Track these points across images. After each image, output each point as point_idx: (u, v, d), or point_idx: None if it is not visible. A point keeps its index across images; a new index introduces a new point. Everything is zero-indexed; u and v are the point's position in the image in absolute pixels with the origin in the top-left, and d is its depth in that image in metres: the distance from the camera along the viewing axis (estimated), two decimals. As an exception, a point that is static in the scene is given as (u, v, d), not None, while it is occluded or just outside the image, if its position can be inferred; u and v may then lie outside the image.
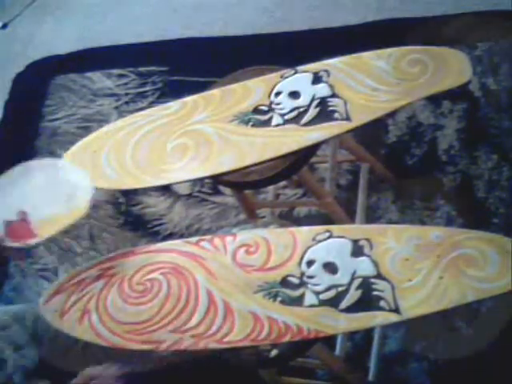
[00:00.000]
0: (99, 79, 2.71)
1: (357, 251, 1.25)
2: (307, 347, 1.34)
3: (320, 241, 1.29)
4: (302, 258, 1.27)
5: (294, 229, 1.33)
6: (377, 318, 1.19)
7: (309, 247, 1.28)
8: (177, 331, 1.24)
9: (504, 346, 1.66)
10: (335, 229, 1.30)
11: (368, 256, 1.24)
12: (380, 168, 2.01)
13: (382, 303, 1.19)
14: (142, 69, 2.66)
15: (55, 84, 2.77)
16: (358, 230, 1.30)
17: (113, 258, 1.35)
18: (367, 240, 1.26)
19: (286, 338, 1.20)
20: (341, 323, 1.20)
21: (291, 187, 2.15)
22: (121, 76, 2.68)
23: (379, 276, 1.21)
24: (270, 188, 2.04)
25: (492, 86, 2.09)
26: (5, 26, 3.06)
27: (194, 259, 1.32)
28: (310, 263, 1.27)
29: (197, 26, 2.68)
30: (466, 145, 2.03)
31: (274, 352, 1.28)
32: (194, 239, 1.35)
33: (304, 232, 1.31)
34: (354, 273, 1.23)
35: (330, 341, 1.67)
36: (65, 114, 2.67)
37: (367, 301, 1.20)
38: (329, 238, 1.29)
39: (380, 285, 1.20)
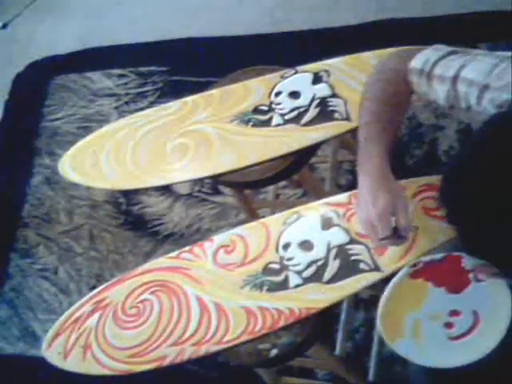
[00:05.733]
0: (99, 79, 2.71)
1: (326, 224, 1.28)
2: (307, 347, 1.34)
3: (291, 223, 1.31)
4: (277, 244, 1.30)
5: (264, 219, 1.36)
6: (361, 281, 1.22)
7: (282, 232, 1.31)
8: (177, 343, 1.25)
9: (504, 345, 1.66)
10: (302, 209, 1.33)
11: (338, 225, 1.27)
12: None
13: (361, 265, 1.22)
14: (142, 69, 2.66)
15: (55, 84, 2.77)
16: (325, 204, 1.32)
17: (103, 290, 1.36)
18: (334, 211, 1.29)
19: (281, 323, 1.22)
20: (328, 295, 1.22)
21: (291, 187, 2.15)
22: (121, 76, 2.68)
23: (353, 241, 1.25)
24: (270, 188, 2.04)
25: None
26: (5, 26, 3.06)
27: (178, 272, 1.33)
28: (286, 246, 1.29)
29: (197, 26, 2.69)
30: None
31: (273, 352, 1.28)
32: (174, 253, 1.37)
33: (274, 219, 1.34)
34: (329, 244, 1.26)
35: (329, 341, 1.67)
36: (65, 114, 2.67)
37: (348, 267, 1.23)
38: (298, 218, 1.31)
39: (356, 249, 1.24)
